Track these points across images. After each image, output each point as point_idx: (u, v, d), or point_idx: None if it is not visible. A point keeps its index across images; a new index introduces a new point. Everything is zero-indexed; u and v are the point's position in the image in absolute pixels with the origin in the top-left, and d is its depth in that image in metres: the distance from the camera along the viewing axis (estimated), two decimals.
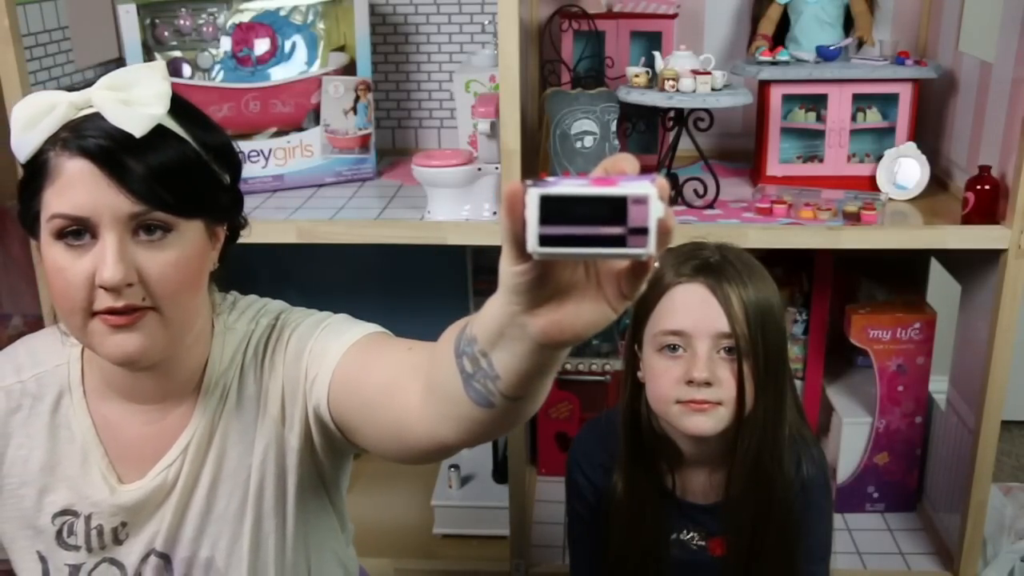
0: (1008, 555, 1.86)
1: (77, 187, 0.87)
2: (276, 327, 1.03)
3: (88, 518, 1.01)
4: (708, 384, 1.17)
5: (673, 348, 1.20)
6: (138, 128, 0.87)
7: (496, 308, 0.65)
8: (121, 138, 0.87)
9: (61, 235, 0.88)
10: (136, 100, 0.88)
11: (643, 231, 0.54)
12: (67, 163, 0.87)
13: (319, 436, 1.00)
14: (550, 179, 0.56)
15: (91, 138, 0.87)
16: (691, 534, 1.31)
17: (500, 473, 1.89)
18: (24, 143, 0.89)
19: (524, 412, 0.74)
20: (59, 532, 1.02)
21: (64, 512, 1.02)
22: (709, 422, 1.19)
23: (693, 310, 1.19)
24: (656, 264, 0.58)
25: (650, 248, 0.54)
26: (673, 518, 1.30)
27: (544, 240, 0.54)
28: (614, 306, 0.61)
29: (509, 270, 0.59)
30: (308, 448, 1.01)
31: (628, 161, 0.60)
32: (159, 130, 0.89)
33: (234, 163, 0.99)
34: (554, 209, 0.54)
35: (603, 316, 0.61)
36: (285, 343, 1.01)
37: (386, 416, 0.86)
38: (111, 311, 0.88)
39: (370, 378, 0.90)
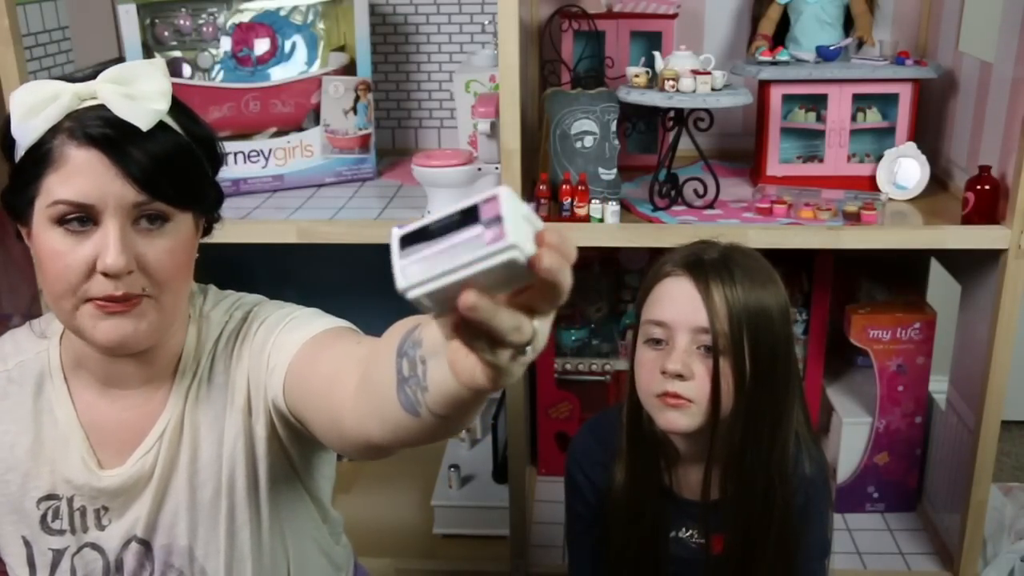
0: (1008, 555, 1.86)
1: (84, 175, 0.89)
2: (248, 319, 1.04)
3: (71, 500, 1.03)
4: (682, 377, 1.18)
5: (657, 340, 1.21)
6: (144, 122, 0.90)
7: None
8: (125, 129, 0.89)
9: (61, 221, 0.90)
10: (140, 95, 0.91)
11: (497, 220, 0.52)
12: (73, 151, 0.89)
13: (281, 426, 1.01)
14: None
15: (97, 127, 0.89)
16: (690, 532, 1.31)
17: (500, 473, 1.89)
18: (27, 129, 0.90)
19: (447, 430, 0.73)
20: (43, 517, 1.03)
21: (48, 497, 1.03)
22: (683, 419, 1.19)
23: (677, 303, 1.19)
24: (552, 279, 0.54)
25: (509, 238, 0.51)
26: (671, 515, 1.30)
27: (406, 272, 0.54)
28: (488, 364, 0.57)
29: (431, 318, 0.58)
30: (274, 437, 1.03)
31: None
32: (158, 123, 0.92)
33: (218, 157, 1.01)
34: (411, 238, 0.54)
35: (472, 375, 0.58)
36: (253, 335, 1.02)
37: (327, 406, 0.87)
38: (110, 299, 0.90)
39: (318, 369, 0.91)
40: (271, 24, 1.71)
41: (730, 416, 1.19)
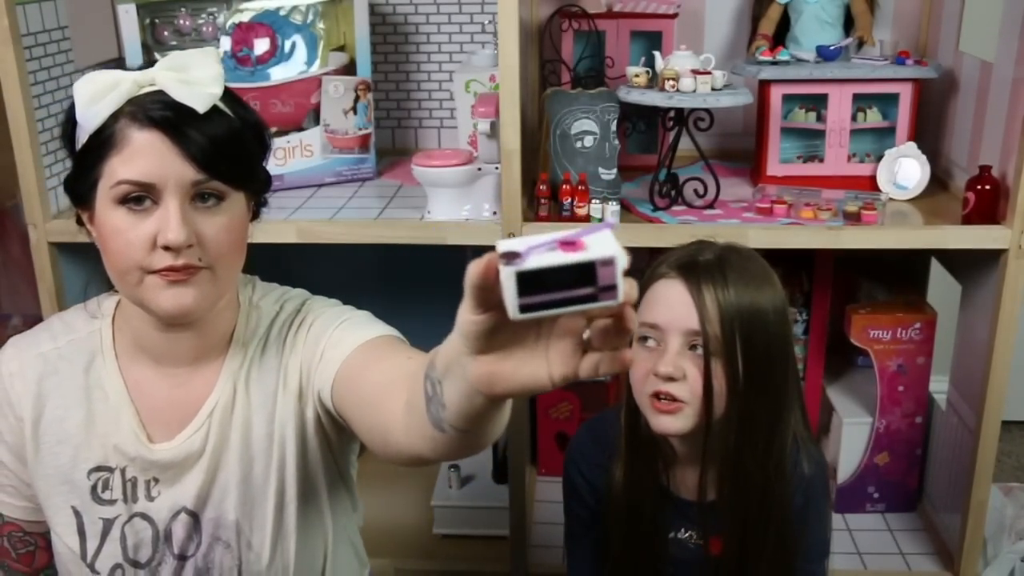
0: (1008, 555, 1.86)
1: (146, 155, 0.94)
2: (301, 311, 1.11)
3: (123, 471, 1.07)
4: (673, 379, 1.18)
5: (649, 340, 1.21)
6: (201, 104, 0.96)
7: (449, 343, 0.69)
8: (184, 112, 0.95)
9: (123, 200, 0.95)
10: (195, 80, 0.96)
11: (612, 288, 0.58)
12: (135, 133, 0.94)
13: (323, 414, 1.07)
14: (517, 242, 0.59)
15: (158, 110, 0.95)
16: (688, 533, 1.31)
17: (500, 473, 1.89)
18: (91, 115, 0.95)
19: (477, 443, 0.78)
20: (94, 487, 1.08)
21: (99, 468, 1.08)
22: (676, 423, 1.20)
23: (669, 305, 1.20)
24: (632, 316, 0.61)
25: (620, 298, 0.58)
26: (670, 516, 1.30)
27: (523, 308, 0.59)
28: (553, 374, 0.63)
29: (466, 317, 0.62)
30: (319, 423, 1.08)
31: None
32: (213, 107, 0.97)
33: (266, 141, 1.07)
34: (529, 280, 0.58)
35: (538, 382, 0.63)
36: (308, 326, 1.09)
37: (376, 419, 0.92)
38: (171, 269, 0.96)
39: (369, 377, 0.96)
40: (271, 24, 1.71)
41: (724, 417, 1.19)
